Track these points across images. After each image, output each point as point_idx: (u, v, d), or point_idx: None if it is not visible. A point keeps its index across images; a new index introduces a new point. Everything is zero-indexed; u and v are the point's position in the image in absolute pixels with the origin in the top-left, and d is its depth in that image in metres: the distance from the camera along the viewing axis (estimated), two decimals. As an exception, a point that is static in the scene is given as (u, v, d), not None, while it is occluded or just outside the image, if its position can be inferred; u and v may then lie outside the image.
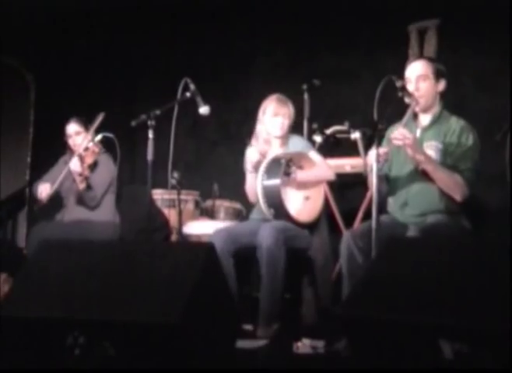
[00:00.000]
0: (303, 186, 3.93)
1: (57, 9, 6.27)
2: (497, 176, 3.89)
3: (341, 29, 5.47)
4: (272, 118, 4.02)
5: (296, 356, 3.25)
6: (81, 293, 2.74)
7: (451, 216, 3.50)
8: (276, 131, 4.04)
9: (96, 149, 4.48)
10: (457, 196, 3.48)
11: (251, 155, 3.94)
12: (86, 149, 4.46)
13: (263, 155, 3.95)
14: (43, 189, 4.49)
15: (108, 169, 4.57)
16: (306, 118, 4.56)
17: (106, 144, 4.53)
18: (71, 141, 4.66)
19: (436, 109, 3.63)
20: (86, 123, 4.64)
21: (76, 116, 4.70)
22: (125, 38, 6.37)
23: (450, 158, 3.51)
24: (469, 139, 3.52)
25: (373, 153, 3.26)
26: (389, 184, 3.69)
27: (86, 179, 4.40)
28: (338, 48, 5.51)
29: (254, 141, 4.12)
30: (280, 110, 4.01)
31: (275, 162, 3.83)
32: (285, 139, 4.07)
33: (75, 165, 4.38)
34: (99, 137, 4.41)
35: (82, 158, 4.43)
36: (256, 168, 3.91)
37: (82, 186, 4.43)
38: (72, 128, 4.66)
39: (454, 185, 3.47)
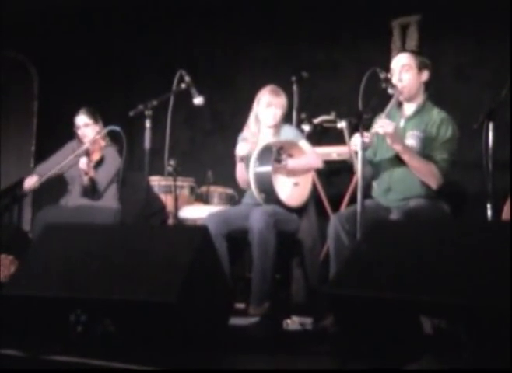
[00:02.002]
0: (292, 173, 3.92)
1: (59, 5, 6.22)
2: (474, 163, 3.89)
3: (328, 25, 5.45)
4: (266, 108, 4.00)
5: (286, 332, 3.26)
6: (83, 274, 2.74)
7: (431, 200, 3.51)
8: (269, 121, 4.02)
9: (103, 143, 4.45)
10: (432, 184, 3.50)
11: (240, 149, 3.92)
12: (93, 141, 4.44)
13: (252, 144, 3.94)
14: (29, 182, 4.47)
15: (113, 163, 4.53)
16: (295, 108, 4.55)
17: (111, 136, 4.51)
18: (80, 132, 4.60)
19: (420, 99, 3.64)
20: (95, 115, 4.61)
21: (86, 106, 4.63)
22: (123, 33, 6.34)
23: (428, 148, 3.52)
24: (448, 131, 3.53)
25: (357, 140, 3.25)
26: (373, 169, 3.69)
27: (91, 178, 4.37)
28: (325, 42, 5.50)
29: (245, 130, 4.11)
30: (273, 101, 3.99)
31: (267, 150, 3.82)
32: (277, 128, 4.05)
33: (82, 163, 4.35)
34: (106, 130, 4.39)
35: (89, 155, 4.41)
36: (243, 160, 3.90)
37: (86, 182, 4.40)
38: (82, 120, 4.59)
39: (428, 173, 3.49)
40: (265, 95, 4.00)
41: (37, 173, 4.56)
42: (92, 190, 4.44)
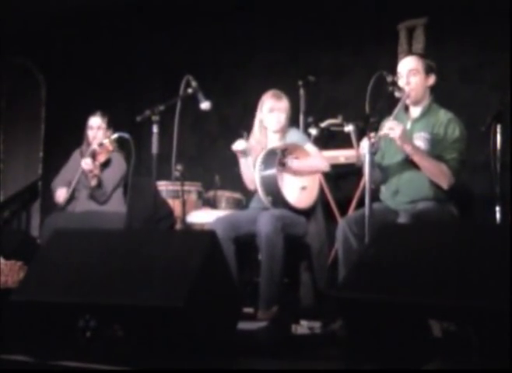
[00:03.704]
0: (299, 175, 3.91)
1: (66, 12, 6.25)
2: (481, 165, 3.88)
3: (334, 29, 5.46)
4: (269, 114, 4.01)
5: (294, 336, 3.25)
6: (91, 279, 2.73)
7: (439, 203, 3.50)
8: (274, 126, 4.02)
9: (110, 148, 4.48)
10: (444, 184, 3.49)
11: (236, 144, 3.93)
12: (101, 145, 4.46)
13: (259, 149, 3.95)
14: (60, 194, 4.56)
15: (119, 167, 4.57)
16: (302, 112, 4.55)
17: (120, 143, 4.53)
18: (91, 133, 4.64)
19: (426, 102, 3.63)
20: (109, 121, 4.64)
21: (101, 110, 4.69)
22: (129, 38, 6.36)
23: (437, 149, 3.51)
24: (456, 131, 3.52)
25: (365, 143, 3.25)
26: (382, 174, 3.69)
27: (97, 177, 4.41)
28: (331, 46, 5.50)
29: (251, 137, 4.11)
30: (275, 105, 3.99)
31: (271, 153, 3.83)
32: (283, 133, 4.05)
33: (86, 162, 4.38)
34: (115, 136, 4.41)
35: (94, 156, 4.44)
36: (243, 153, 3.90)
37: (93, 182, 4.44)
38: (96, 121, 4.63)
39: (440, 173, 3.48)
40: (267, 100, 4.00)
41: (58, 186, 4.61)
42: (98, 192, 4.46)
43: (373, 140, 3.23)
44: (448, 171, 3.48)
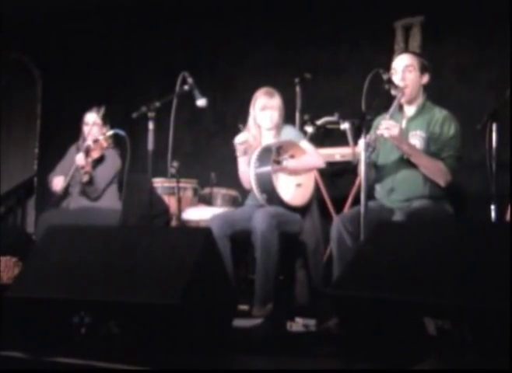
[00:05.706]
0: (294, 173, 3.91)
1: (62, 8, 6.24)
2: (477, 164, 3.88)
3: (331, 27, 5.46)
4: (261, 112, 4.00)
5: (289, 334, 3.25)
6: (86, 275, 2.73)
7: (435, 201, 3.51)
8: (266, 124, 4.01)
9: (105, 144, 4.47)
10: (441, 182, 3.50)
11: (238, 138, 3.92)
12: (95, 141, 4.45)
13: (254, 146, 3.94)
14: (58, 182, 4.54)
15: (113, 165, 4.56)
16: (298, 110, 4.54)
17: (116, 139, 4.52)
18: (86, 129, 4.63)
19: (420, 100, 3.64)
20: (105, 117, 4.63)
21: (95, 106, 4.66)
22: (126, 35, 6.35)
23: (433, 146, 3.52)
24: (451, 128, 3.53)
25: (362, 142, 3.25)
26: (376, 171, 3.69)
27: (88, 173, 4.40)
28: (328, 44, 5.50)
29: (247, 132, 4.11)
30: (268, 103, 3.98)
31: (266, 151, 3.82)
32: (277, 130, 4.04)
33: (79, 158, 4.38)
34: (110, 132, 4.40)
35: (88, 152, 4.43)
36: (244, 151, 3.89)
37: (84, 178, 4.43)
38: (91, 118, 4.62)
39: (437, 171, 3.49)
40: (259, 98, 3.99)
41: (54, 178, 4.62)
42: (90, 189, 4.46)
43: (370, 139, 3.24)
44: (445, 168, 3.49)
